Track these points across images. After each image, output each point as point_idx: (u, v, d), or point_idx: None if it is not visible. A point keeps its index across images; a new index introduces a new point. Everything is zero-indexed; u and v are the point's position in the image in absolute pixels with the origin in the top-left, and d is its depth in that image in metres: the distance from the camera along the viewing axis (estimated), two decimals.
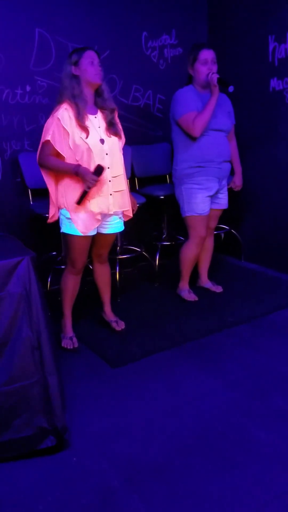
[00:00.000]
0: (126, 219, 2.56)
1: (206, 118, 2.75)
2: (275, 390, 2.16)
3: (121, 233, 3.46)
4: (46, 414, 1.76)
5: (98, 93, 2.34)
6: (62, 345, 2.57)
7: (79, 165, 2.23)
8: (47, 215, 2.94)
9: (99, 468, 1.74)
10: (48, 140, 2.25)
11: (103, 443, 1.86)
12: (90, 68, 2.26)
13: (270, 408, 2.03)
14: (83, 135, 2.25)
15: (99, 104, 2.35)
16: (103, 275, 2.69)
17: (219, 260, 3.87)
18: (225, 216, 3.36)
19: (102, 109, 2.35)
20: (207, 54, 2.78)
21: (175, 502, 1.57)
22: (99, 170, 2.20)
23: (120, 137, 2.41)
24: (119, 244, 3.48)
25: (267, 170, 3.57)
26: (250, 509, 1.53)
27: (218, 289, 3.25)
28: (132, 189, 3.61)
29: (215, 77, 2.72)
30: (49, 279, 3.21)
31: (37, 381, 1.74)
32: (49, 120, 2.29)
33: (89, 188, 2.23)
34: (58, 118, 2.24)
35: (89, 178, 2.20)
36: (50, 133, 2.24)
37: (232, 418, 1.98)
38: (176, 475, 1.69)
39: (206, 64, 2.77)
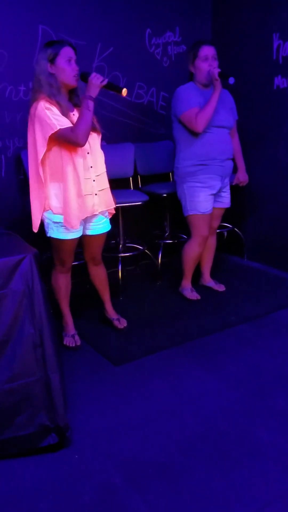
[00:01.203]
0: (110, 217, 2.52)
1: (209, 113, 2.72)
2: (277, 390, 2.15)
3: (123, 231, 3.47)
4: (48, 412, 1.76)
5: (71, 90, 2.26)
6: (64, 343, 2.56)
7: (86, 97, 2.14)
8: None
9: (101, 466, 1.73)
10: (57, 130, 2.10)
11: (105, 442, 1.86)
12: (67, 68, 2.16)
13: (272, 408, 2.02)
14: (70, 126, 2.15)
15: (73, 101, 2.28)
16: (99, 276, 2.67)
17: (222, 259, 3.86)
18: (228, 215, 3.35)
19: (76, 106, 2.28)
20: (207, 51, 2.75)
21: (177, 502, 1.57)
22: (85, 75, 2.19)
23: (99, 133, 2.33)
24: (121, 242, 3.48)
25: (270, 169, 3.56)
26: (252, 509, 1.53)
27: (221, 288, 3.25)
28: (134, 187, 3.61)
29: (216, 71, 2.69)
30: (51, 277, 3.20)
31: (39, 379, 1.74)
32: (40, 115, 2.11)
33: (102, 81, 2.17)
34: (46, 108, 2.10)
35: (94, 84, 2.14)
36: (53, 122, 2.10)
37: (234, 418, 1.98)
38: (178, 474, 1.68)
39: (206, 60, 2.75)
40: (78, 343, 2.57)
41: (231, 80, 2.65)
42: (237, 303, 3.04)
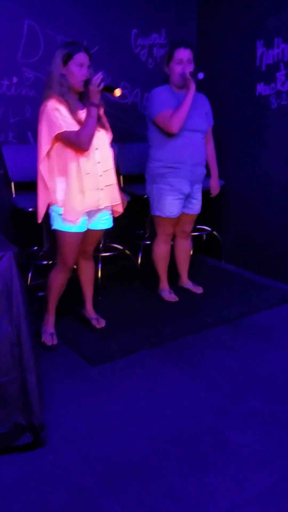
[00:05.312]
0: (116, 215, 2.55)
1: (183, 113, 2.70)
2: (252, 392, 2.19)
3: (104, 230, 3.46)
4: (23, 411, 1.75)
5: (81, 92, 2.30)
6: (42, 340, 2.55)
7: (90, 105, 2.19)
8: (30, 209, 2.91)
9: (76, 467, 1.73)
10: (63, 131, 2.18)
11: (80, 442, 1.86)
12: (77, 73, 2.23)
13: (246, 410, 2.06)
14: (76, 128, 2.21)
15: (82, 101, 2.32)
16: (87, 271, 2.68)
17: (199, 261, 3.90)
18: (207, 218, 3.38)
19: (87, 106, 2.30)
20: (183, 54, 2.72)
21: (151, 503, 1.58)
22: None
23: (107, 130, 2.40)
24: (102, 242, 3.47)
25: (251, 174, 3.61)
26: (225, 510, 1.55)
27: (199, 290, 3.28)
28: None
29: (187, 70, 2.69)
30: (29, 275, 3.18)
31: (15, 378, 1.73)
32: (48, 114, 2.20)
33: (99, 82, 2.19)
34: (55, 108, 2.20)
35: (92, 90, 2.18)
36: (60, 122, 2.18)
37: (209, 419, 2.01)
38: (152, 475, 1.70)
39: (180, 63, 2.73)
40: (55, 342, 2.56)
41: (200, 76, 2.65)
42: (214, 305, 3.08)
